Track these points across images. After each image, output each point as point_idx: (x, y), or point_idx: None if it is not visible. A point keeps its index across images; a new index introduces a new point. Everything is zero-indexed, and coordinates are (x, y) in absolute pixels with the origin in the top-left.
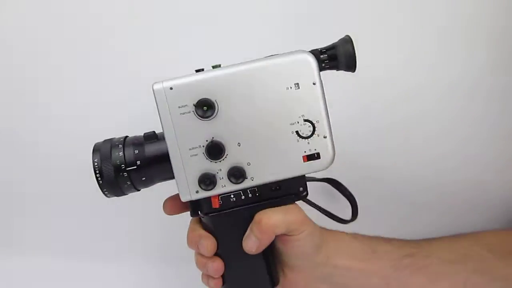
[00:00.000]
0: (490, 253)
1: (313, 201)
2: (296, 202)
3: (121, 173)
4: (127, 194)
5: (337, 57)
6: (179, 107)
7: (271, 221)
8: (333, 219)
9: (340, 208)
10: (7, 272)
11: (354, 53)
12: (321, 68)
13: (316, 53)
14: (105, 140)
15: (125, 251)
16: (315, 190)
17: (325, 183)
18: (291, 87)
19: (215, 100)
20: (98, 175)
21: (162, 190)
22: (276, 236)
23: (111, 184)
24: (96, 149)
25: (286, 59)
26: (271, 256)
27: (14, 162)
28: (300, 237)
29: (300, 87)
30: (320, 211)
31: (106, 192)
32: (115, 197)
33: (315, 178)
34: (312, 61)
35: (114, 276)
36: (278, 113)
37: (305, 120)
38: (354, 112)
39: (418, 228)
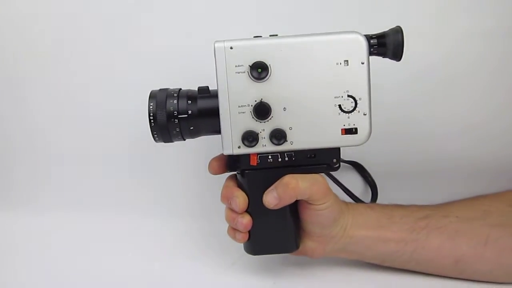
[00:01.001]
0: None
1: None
2: (324, 173)
3: (172, 119)
4: (173, 142)
5: (386, 44)
6: (236, 66)
7: (297, 186)
8: (353, 199)
9: (359, 192)
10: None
11: (403, 43)
12: (369, 53)
13: (367, 37)
14: (161, 89)
15: (154, 207)
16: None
17: (349, 165)
18: (340, 63)
19: (269, 65)
20: (151, 118)
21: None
22: (298, 201)
23: (162, 128)
24: (153, 96)
25: (339, 37)
26: (297, 220)
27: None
28: (321, 207)
29: (349, 64)
30: (341, 188)
31: (155, 136)
32: (162, 143)
33: (342, 159)
34: (364, 42)
35: (136, 230)
36: (325, 85)
37: (349, 96)
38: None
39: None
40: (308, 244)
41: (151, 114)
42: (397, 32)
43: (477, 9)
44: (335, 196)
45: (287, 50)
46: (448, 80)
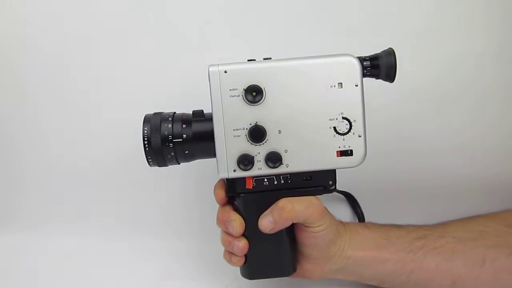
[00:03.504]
0: (508, 228)
1: None
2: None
3: (167, 143)
4: (167, 166)
5: (379, 66)
6: (230, 89)
7: (293, 209)
8: None
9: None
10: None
11: (396, 65)
12: (363, 74)
13: (360, 59)
14: (155, 113)
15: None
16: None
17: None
18: (334, 85)
19: (264, 88)
20: (146, 143)
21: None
22: (295, 224)
23: (156, 153)
24: (147, 120)
25: (333, 60)
26: (294, 243)
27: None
28: (317, 229)
29: (343, 87)
30: None
31: (150, 160)
32: (156, 167)
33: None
34: (357, 65)
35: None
36: (319, 108)
37: (344, 118)
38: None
39: (434, 218)
40: (306, 266)
41: (146, 139)
42: (390, 54)
43: (467, 31)
44: (331, 217)
45: (281, 74)
46: (438, 100)
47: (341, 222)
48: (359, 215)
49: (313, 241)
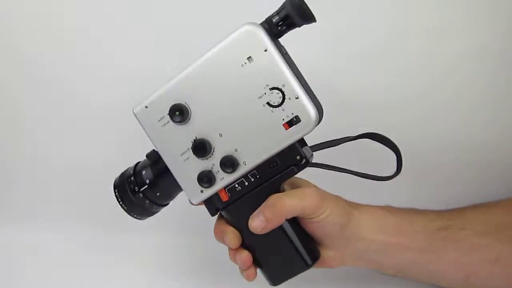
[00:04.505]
0: None
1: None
2: (315, 185)
3: (137, 195)
4: (156, 212)
5: (288, 14)
6: (158, 120)
7: (284, 205)
8: (369, 178)
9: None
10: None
11: (303, 3)
12: (281, 32)
13: (269, 20)
14: (120, 174)
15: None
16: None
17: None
18: (245, 63)
19: (185, 103)
20: (121, 203)
21: None
22: (298, 217)
23: (134, 207)
24: (115, 185)
25: (229, 39)
26: (301, 235)
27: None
28: (320, 218)
29: (253, 59)
30: (352, 174)
31: (136, 216)
32: (148, 218)
33: (349, 137)
34: (254, 30)
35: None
36: (243, 92)
37: (271, 88)
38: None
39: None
40: (325, 253)
41: (119, 201)
42: None
43: (468, 29)
44: (335, 200)
45: (192, 81)
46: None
47: (351, 203)
48: (394, 148)
49: (321, 230)
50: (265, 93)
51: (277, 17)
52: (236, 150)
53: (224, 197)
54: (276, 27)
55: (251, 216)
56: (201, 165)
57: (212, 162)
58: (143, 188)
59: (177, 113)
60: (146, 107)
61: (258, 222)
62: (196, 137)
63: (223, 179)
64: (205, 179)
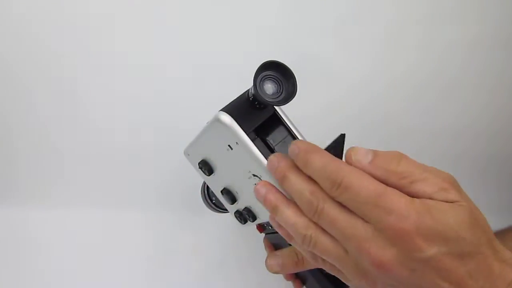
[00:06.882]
0: None
1: None
2: None
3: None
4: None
5: (256, 99)
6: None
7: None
8: None
9: None
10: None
11: (260, 93)
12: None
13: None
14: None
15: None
16: None
17: None
18: (227, 150)
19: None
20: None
21: None
22: None
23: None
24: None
25: (206, 129)
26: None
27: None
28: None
29: (233, 148)
30: None
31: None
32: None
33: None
34: (224, 120)
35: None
36: (237, 170)
37: (254, 175)
38: None
39: None
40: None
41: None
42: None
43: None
44: None
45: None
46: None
47: None
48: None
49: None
50: (250, 177)
51: (251, 92)
52: (250, 207)
53: (260, 230)
54: (255, 109)
55: (269, 254)
56: (234, 207)
57: (239, 208)
58: (212, 201)
59: (203, 168)
60: (189, 154)
61: (274, 265)
62: (223, 187)
63: (252, 222)
64: (239, 218)
